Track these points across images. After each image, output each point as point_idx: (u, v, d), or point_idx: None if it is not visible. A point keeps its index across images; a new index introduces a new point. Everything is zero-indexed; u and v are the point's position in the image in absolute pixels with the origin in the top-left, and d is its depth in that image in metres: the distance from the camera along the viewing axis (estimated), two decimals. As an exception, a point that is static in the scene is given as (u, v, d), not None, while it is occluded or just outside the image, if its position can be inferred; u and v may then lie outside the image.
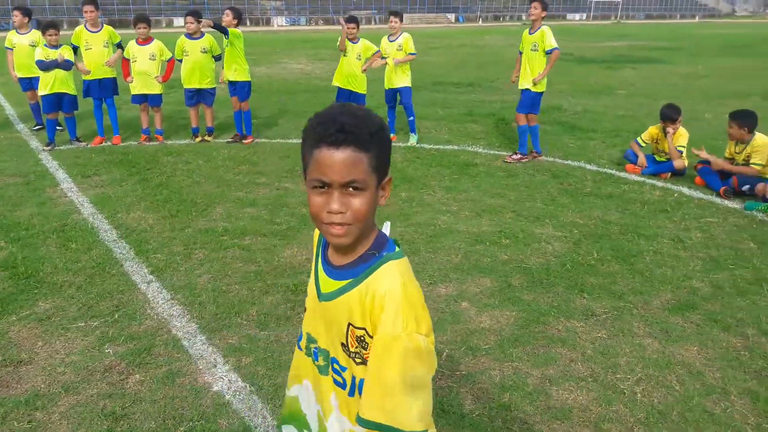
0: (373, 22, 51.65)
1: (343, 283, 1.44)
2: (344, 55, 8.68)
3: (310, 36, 37.03)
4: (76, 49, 8.53)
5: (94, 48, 8.55)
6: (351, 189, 1.36)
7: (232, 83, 8.80)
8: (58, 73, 8.26)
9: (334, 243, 1.42)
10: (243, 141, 8.95)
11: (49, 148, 8.46)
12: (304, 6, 62.37)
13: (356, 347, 1.44)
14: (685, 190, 6.65)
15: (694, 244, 5.14)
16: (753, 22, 68.92)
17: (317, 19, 60.87)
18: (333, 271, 1.48)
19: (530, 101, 7.62)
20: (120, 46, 8.70)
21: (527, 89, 7.59)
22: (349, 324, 1.43)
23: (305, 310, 1.63)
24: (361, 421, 1.38)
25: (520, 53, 7.77)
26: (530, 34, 7.61)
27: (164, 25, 50.17)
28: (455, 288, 4.38)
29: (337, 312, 1.46)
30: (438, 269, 4.67)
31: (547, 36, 7.41)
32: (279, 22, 57.79)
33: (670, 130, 7.14)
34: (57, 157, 8.06)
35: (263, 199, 6.32)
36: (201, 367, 3.44)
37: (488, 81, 15.54)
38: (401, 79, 8.56)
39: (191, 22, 8.63)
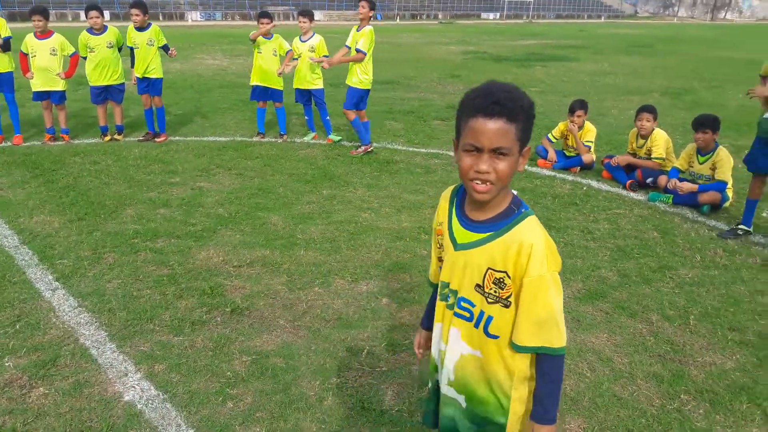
0: (290, 18, 51.04)
1: (484, 235, 1.71)
2: (258, 52, 8.52)
3: (225, 31, 36.15)
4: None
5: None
6: (498, 154, 1.59)
7: (145, 80, 8.45)
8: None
9: (477, 198, 1.67)
10: (156, 139, 8.62)
11: (-62, 148, 7.83)
12: (219, 1, 60.85)
13: (491, 288, 1.72)
14: (594, 183, 6.97)
15: (602, 235, 5.39)
16: (653, 23, 73.19)
17: (233, 14, 59.51)
18: (471, 225, 1.74)
19: (356, 98, 7.85)
20: (8, 40, 8.08)
21: (351, 86, 7.84)
22: (489, 268, 1.70)
23: (440, 262, 1.89)
24: (519, 348, 1.71)
25: (347, 46, 7.91)
26: (357, 31, 7.79)
27: (70, 19, 47.65)
28: (376, 285, 4.39)
29: (476, 258, 1.72)
30: (359, 266, 4.67)
31: (366, 38, 7.61)
32: (194, 17, 56.08)
33: (572, 126, 7.44)
34: (-52, 159, 7.47)
35: (177, 200, 6.11)
36: (111, 376, 3.27)
37: (406, 79, 15.68)
38: (314, 82, 8.50)
39: (96, 17, 8.19)
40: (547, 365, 1.74)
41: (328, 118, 8.68)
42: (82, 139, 8.62)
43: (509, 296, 1.70)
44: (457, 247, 1.76)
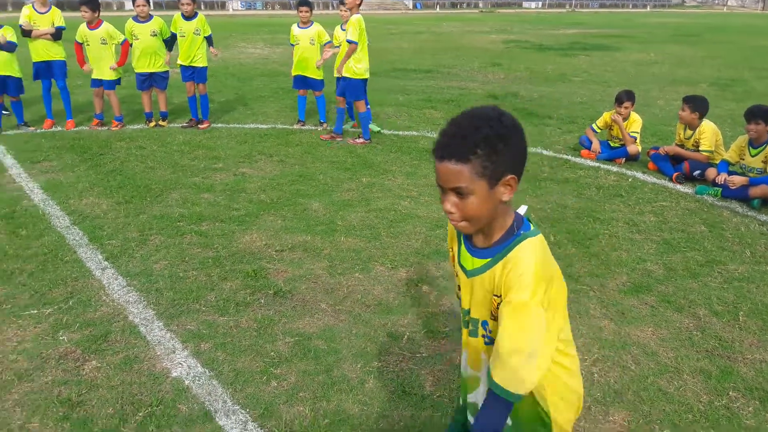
0: (330, 8, 51.11)
1: (488, 260, 1.64)
2: (296, 43, 8.58)
3: (266, 20, 36.44)
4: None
5: (41, 27, 8.20)
6: (457, 193, 1.55)
7: (190, 68, 8.59)
8: (1, 55, 7.91)
9: (458, 231, 1.67)
10: (199, 126, 8.77)
11: (-6, 132, 8.13)
12: (260, -10, 61.21)
13: (493, 315, 1.66)
14: (639, 175, 6.82)
15: (648, 228, 5.28)
16: (701, 11, 70.97)
17: (273, 3, 59.89)
18: (476, 251, 1.69)
19: (358, 88, 7.83)
20: (61, 30, 8.34)
21: (347, 77, 7.80)
22: (493, 294, 1.64)
23: (459, 288, 1.82)
24: (490, 381, 1.57)
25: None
26: (342, 29, 7.91)
27: (115, 8, 48.64)
28: (416, 272, 4.40)
29: (484, 284, 1.66)
30: (399, 253, 4.68)
31: (353, 27, 7.56)
32: (234, 6, 56.64)
33: (616, 117, 7.29)
34: (4, 142, 7.75)
35: (220, 185, 6.21)
36: (159, 353, 3.37)
37: (446, 68, 15.58)
38: None
39: (143, 5, 8.36)
40: (488, 402, 1.59)
41: (368, 107, 8.68)
42: (128, 125, 8.83)
43: None
44: (468, 274, 1.72)
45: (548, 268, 1.57)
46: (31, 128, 8.47)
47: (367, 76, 7.88)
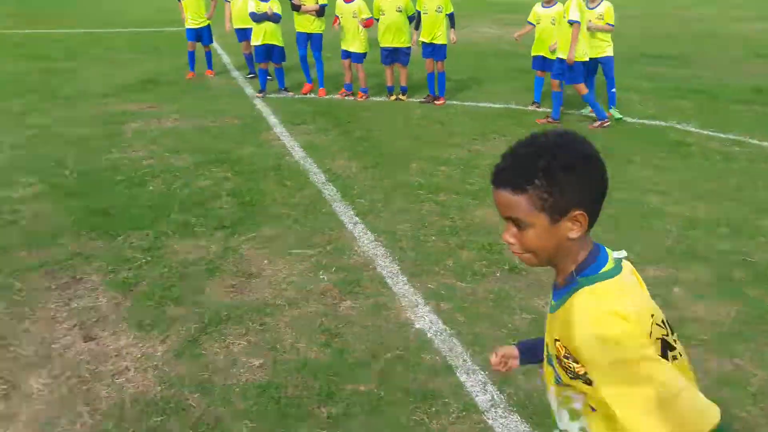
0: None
1: (555, 302, 1.49)
2: (537, 22, 8.36)
3: (499, 0, 36.18)
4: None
5: (308, 4, 9.06)
6: (516, 224, 1.39)
7: (431, 45, 8.86)
8: (268, 25, 8.89)
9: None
10: (435, 102, 9.04)
11: (261, 95, 9.23)
12: (496, -27, 60.83)
13: (564, 362, 1.43)
14: None
15: None
16: None
17: (508, -14, 59.16)
18: (554, 290, 1.53)
19: (579, 70, 7.47)
20: (324, 7, 9.12)
21: (566, 60, 7.42)
22: (556, 339, 1.45)
23: None
24: None
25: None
26: (589, 8, 7.53)
27: (358, -12, 51.86)
28: (666, 272, 4.09)
29: (553, 324, 1.49)
30: (647, 250, 4.38)
31: (574, 6, 7.21)
32: (468, -11, 57.08)
33: None
34: (268, 104, 8.77)
35: (455, 159, 6.36)
36: (404, 304, 3.61)
37: (698, 55, 14.10)
38: (604, 48, 8.02)
39: None
40: None
41: (614, 90, 8.20)
42: (372, 97, 9.42)
43: (586, 372, 1.37)
44: (550, 309, 1.54)
45: (616, 324, 1.30)
46: (290, 93, 9.45)
47: (585, 58, 7.50)
